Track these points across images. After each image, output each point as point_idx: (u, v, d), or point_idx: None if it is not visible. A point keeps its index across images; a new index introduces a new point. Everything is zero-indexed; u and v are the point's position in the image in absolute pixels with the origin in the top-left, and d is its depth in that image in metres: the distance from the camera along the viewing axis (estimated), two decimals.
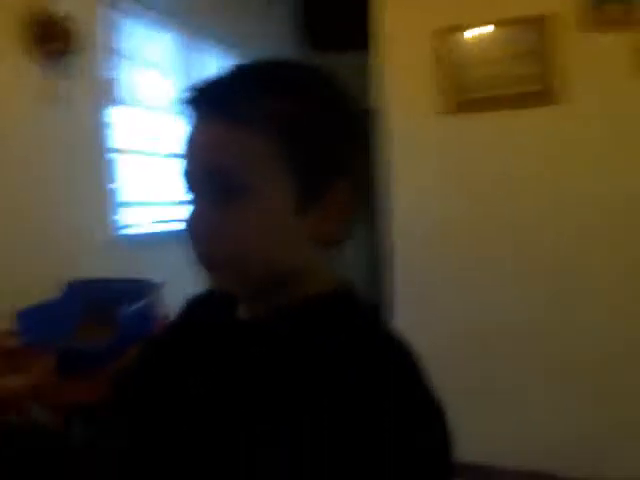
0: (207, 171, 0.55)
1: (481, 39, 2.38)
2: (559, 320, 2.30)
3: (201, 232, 0.55)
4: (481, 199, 2.39)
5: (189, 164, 0.57)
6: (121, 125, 2.62)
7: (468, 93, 2.40)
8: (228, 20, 3.31)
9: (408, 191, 2.46)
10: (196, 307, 0.74)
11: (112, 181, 2.54)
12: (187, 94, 0.57)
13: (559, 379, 2.30)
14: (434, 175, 2.43)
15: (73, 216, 2.30)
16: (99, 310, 1.09)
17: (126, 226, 2.65)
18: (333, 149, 0.56)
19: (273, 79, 0.57)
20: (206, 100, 0.56)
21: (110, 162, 2.52)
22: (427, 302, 2.44)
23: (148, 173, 2.89)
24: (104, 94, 2.43)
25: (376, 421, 0.46)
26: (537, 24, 2.28)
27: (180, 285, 2.59)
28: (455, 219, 2.41)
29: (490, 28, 2.35)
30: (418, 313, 2.42)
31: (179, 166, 0.58)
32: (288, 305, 0.58)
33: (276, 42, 4.00)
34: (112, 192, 2.54)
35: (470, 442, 2.30)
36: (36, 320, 1.01)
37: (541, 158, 2.31)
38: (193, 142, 0.57)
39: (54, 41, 2.16)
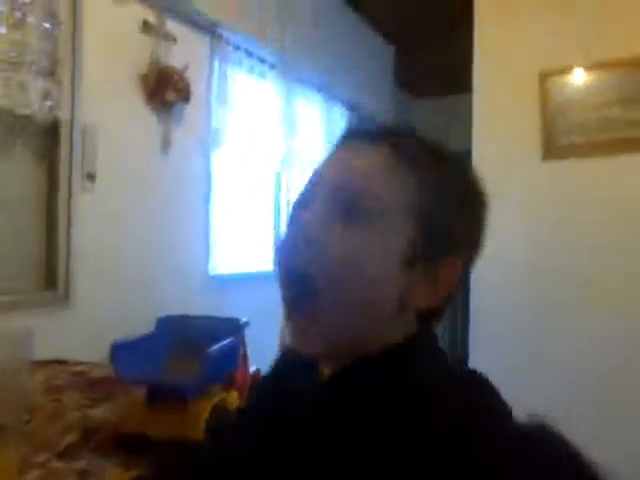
0: (339, 186, 0.53)
1: (590, 81, 2.29)
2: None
3: (303, 234, 0.52)
4: (577, 245, 2.26)
5: (316, 184, 0.56)
6: (223, 170, 2.74)
7: (573, 137, 2.30)
8: (329, 70, 3.41)
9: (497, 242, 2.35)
10: (282, 370, 0.68)
11: (211, 224, 2.65)
12: (351, 128, 0.60)
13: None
14: (529, 222, 2.33)
15: (174, 256, 2.42)
16: (187, 346, 1.12)
17: (220, 267, 2.74)
18: (461, 229, 0.56)
19: (438, 147, 0.59)
20: (367, 133, 0.58)
21: (211, 206, 2.64)
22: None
23: (243, 217, 2.99)
24: (211, 141, 2.56)
25: None
26: None
27: (267, 324, 2.65)
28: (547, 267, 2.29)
29: (599, 71, 2.26)
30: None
31: (300, 189, 0.58)
32: (364, 357, 0.53)
33: (375, 90, 4.07)
34: (210, 234, 2.64)
35: None
36: (129, 353, 1.04)
37: None
38: (337, 161, 0.56)
39: (170, 92, 2.32)
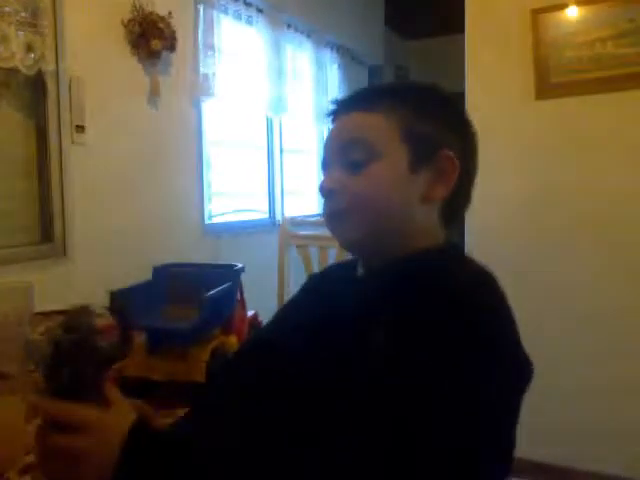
0: (347, 143, 0.71)
1: (582, 17, 2.24)
2: None
3: (333, 189, 0.70)
4: (571, 181, 2.27)
5: (329, 145, 0.74)
6: (214, 118, 2.71)
7: (566, 75, 2.27)
8: (318, 12, 3.32)
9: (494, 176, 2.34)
10: (320, 277, 0.90)
11: (205, 172, 2.64)
12: (334, 104, 0.77)
13: None
14: (521, 156, 2.31)
15: (169, 206, 2.42)
16: (185, 293, 1.14)
17: (215, 215, 2.75)
18: (436, 129, 0.71)
19: (399, 87, 0.81)
20: (349, 101, 0.75)
21: (203, 154, 2.63)
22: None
23: (236, 164, 2.98)
24: (200, 89, 2.52)
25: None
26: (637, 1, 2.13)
27: (263, 270, 2.67)
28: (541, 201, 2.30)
29: (593, 6, 2.21)
30: None
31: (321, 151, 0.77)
32: (398, 258, 0.69)
33: (366, 32, 3.99)
34: (204, 182, 2.64)
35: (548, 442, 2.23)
36: (127, 300, 1.06)
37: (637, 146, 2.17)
38: (335, 129, 0.74)
39: (155, 39, 2.27)
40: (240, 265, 1.19)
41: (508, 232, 2.38)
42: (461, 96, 2.62)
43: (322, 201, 0.73)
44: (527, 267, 2.32)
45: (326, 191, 0.71)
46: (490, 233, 2.37)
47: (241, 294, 1.26)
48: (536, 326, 2.01)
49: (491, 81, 2.41)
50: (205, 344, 1.06)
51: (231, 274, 1.18)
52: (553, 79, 2.30)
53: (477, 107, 2.30)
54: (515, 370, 0.60)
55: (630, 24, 2.17)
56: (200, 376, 1.02)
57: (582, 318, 2.24)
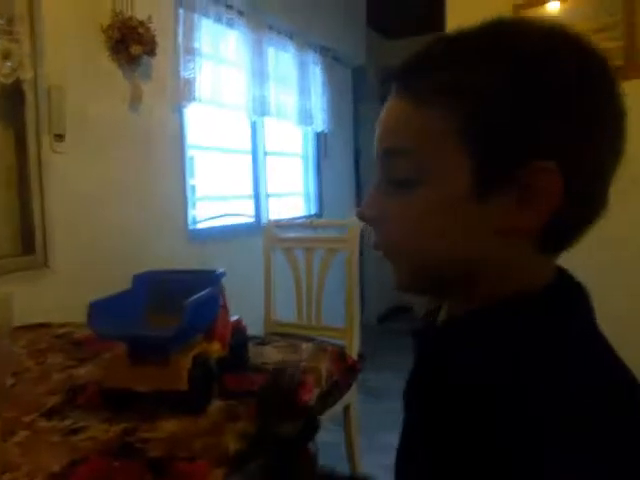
0: (385, 154, 0.51)
1: (563, 12, 2.25)
2: None
3: (367, 218, 0.53)
4: None
5: (375, 144, 0.53)
6: (197, 122, 2.70)
7: None
8: (300, 13, 3.31)
9: None
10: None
11: (188, 177, 2.62)
12: (390, 72, 0.54)
13: None
14: None
15: (151, 213, 2.40)
16: (165, 300, 1.13)
17: (200, 220, 2.73)
18: (527, 124, 0.44)
19: (466, 46, 0.48)
20: (402, 71, 0.51)
21: (187, 159, 2.61)
22: None
23: (221, 169, 2.96)
24: (181, 93, 2.50)
25: None
26: None
27: (249, 275, 2.65)
28: None
29: (568, 1, 2.22)
30: None
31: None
32: (478, 307, 0.50)
33: (348, 33, 3.98)
34: (188, 187, 2.62)
35: None
36: (107, 311, 1.04)
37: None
38: (378, 122, 0.52)
39: (134, 44, 2.24)
40: (221, 270, 1.18)
41: None
42: None
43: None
44: None
45: (362, 218, 0.54)
46: None
47: (224, 299, 1.24)
48: None
49: None
50: (187, 351, 1.04)
51: (212, 279, 1.16)
52: None
53: None
54: None
55: (610, 18, 2.18)
56: (183, 384, 1.01)
57: None
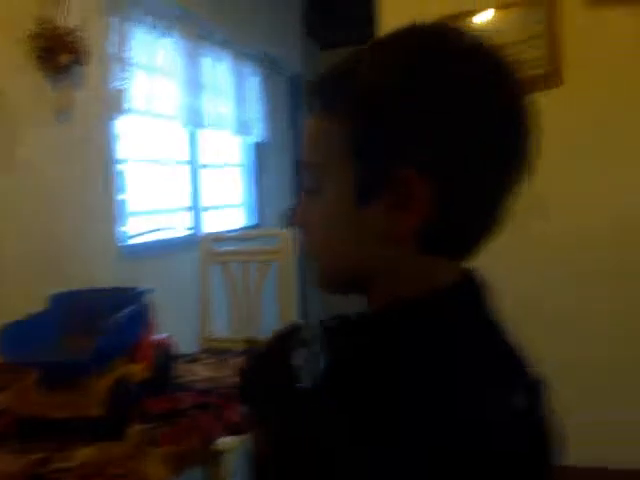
0: (301, 167, 0.56)
1: (488, 24, 2.32)
2: None
3: (294, 222, 0.58)
4: None
5: None
6: (129, 134, 2.63)
7: None
8: (235, 22, 3.29)
9: None
10: None
11: (119, 191, 2.55)
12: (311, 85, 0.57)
13: None
14: None
15: (79, 230, 2.31)
16: (83, 321, 1.08)
17: (132, 236, 2.66)
18: (396, 140, 0.47)
19: (358, 59, 0.52)
20: (316, 89, 0.56)
21: (118, 172, 2.53)
22: None
23: (156, 181, 2.90)
24: (113, 104, 2.43)
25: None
26: (544, 4, 2.22)
27: (187, 289, 2.60)
28: None
29: (497, 12, 2.29)
30: None
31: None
32: (369, 310, 0.55)
33: (285, 42, 3.98)
34: (119, 202, 2.55)
35: None
36: (18, 335, 1.00)
37: (550, 141, 2.24)
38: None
39: (63, 53, 2.17)
40: (145, 288, 1.14)
41: None
42: None
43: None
44: None
45: (292, 224, 0.59)
46: None
47: (149, 318, 1.21)
48: None
49: None
50: (106, 374, 1.01)
51: (136, 298, 1.13)
52: None
53: None
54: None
55: (533, 29, 2.26)
56: (99, 409, 0.97)
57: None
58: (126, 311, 1.06)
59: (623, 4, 2.12)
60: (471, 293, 0.53)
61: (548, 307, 2.24)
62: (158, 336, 1.25)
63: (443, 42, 0.50)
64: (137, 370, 1.09)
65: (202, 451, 1.11)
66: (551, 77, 2.22)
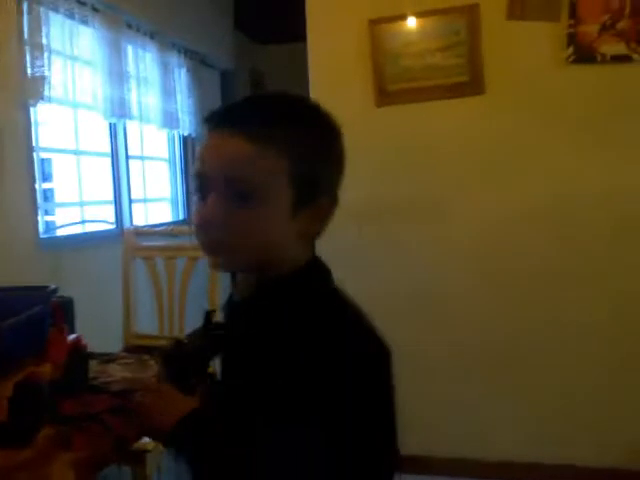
0: (228, 177, 0.68)
1: (414, 29, 2.36)
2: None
3: (211, 221, 0.68)
4: (410, 185, 2.38)
5: (206, 167, 0.70)
6: (51, 123, 2.52)
7: (400, 83, 2.39)
8: (162, 13, 3.21)
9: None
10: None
11: (38, 181, 2.44)
12: (213, 112, 0.73)
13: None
14: (366, 164, 2.37)
15: None
16: None
17: (54, 227, 2.55)
18: (322, 171, 0.72)
19: (288, 111, 0.73)
20: (231, 118, 0.71)
21: (39, 161, 2.42)
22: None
23: (77, 172, 2.79)
24: (31, 90, 2.32)
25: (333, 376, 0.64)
26: (465, 13, 2.28)
27: (109, 284, 2.52)
28: (387, 204, 2.39)
29: (420, 19, 2.34)
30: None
31: (193, 167, 0.74)
32: (267, 282, 0.74)
33: (215, 35, 3.92)
34: (38, 192, 2.44)
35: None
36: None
37: (469, 148, 2.32)
38: (218, 149, 0.69)
39: None
40: (53, 286, 1.10)
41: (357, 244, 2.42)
42: None
43: (195, 227, 0.72)
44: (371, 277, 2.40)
45: (204, 222, 0.70)
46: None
47: (59, 317, 1.16)
48: None
49: (334, 89, 2.45)
50: (6, 378, 0.96)
51: (43, 297, 1.08)
52: (390, 87, 2.40)
53: None
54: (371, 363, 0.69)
55: (456, 37, 2.32)
56: (2, 414, 0.92)
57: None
58: (29, 313, 1.01)
59: (540, 17, 2.21)
60: (321, 264, 0.78)
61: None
62: (70, 336, 1.20)
63: (330, 131, 0.76)
64: (45, 371, 1.05)
65: (115, 455, 1.08)
66: (473, 85, 2.30)
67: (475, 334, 2.34)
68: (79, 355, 1.21)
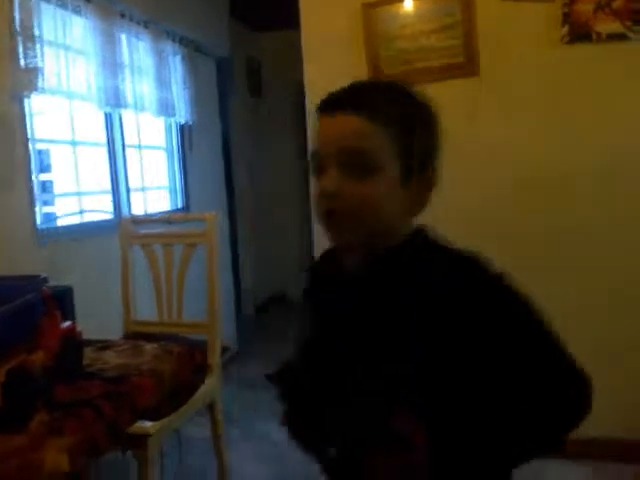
0: (345, 150, 0.76)
1: (409, 12, 2.35)
2: None
3: (335, 192, 0.76)
4: None
5: (323, 146, 0.79)
6: (48, 114, 2.52)
7: (396, 66, 2.37)
8: (156, 1, 3.19)
9: None
10: (316, 272, 0.97)
11: (35, 172, 2.44)
12: (323, 100, 0.82)
13: None
14: None
15: None
16: None
17: (54, 218, 2.56)
18: (427, 143, 0.81)
19: (395, 93, 0.83)
20: (349, 99, 0.79)
21: (33, 153, 2.42)
22: None
23: (80, 163, 2.79)
24: (22, 82, 2.32)
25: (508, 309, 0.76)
26: None
27: (109, 273, 2.53)
28: None
29: (416, 1, 2.32)
30: None
31: (311, 147, 0.83)
32: (385, 252, 0.80)
33: (211, 23, 3.90)
34: (35, 184, 2.44)
35: None
36: None
37: (462, 130, 2.31)
38: (334, 127, 0.78)
39: None
40: (44, 275, 1.10)
41: None
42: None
43: (318, 200, 0.79)
44: None
45: (329, 192, 0.76)
46: None
47: (51, 305, 1.17)
48: None
49: (329, 74, 2.44)
50: (2, 364, 0.97)
51: (34, 285, 1.09)
52: (386, 70, 2.39)
53: (317, 100, 2.33)
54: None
55: (450, 18, 2.31)
56: None
57: None
58: (20, 301, 1.02)
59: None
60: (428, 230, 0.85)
61: None
62: (64, 324, 1.21)
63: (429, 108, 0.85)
64: (37, 359, 1.06)
65: (109, 440, 1.09)
66: (468, 66, 2.29)
67: None
68: (73, 342, 1.22)
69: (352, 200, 0.75)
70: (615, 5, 2.15)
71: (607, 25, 2.16)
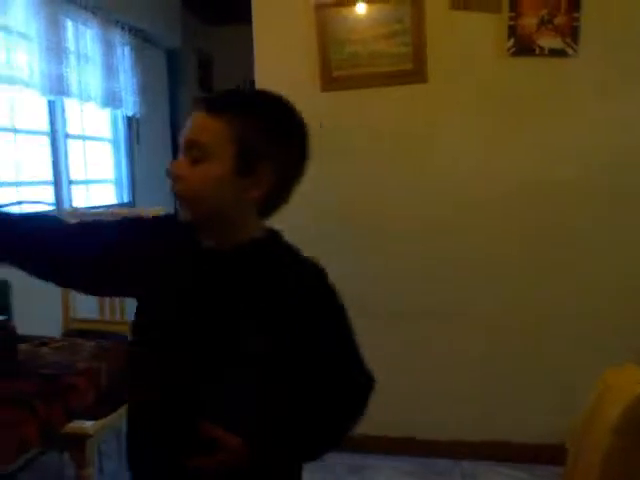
0: (191, 140, 0.86)
1: (360, 16, 2.37)
2: None
3: (175, 175, 0.86)
4: (352, 167, 2.42)
5: (183, 134, 0.87)
6: None
7: (345, 69, 2.39)
8: None
9: None
10: (164, 226, 1.01)
11: None
12: (203, 96, 0.97)
13: None
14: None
15: None
16: None
17: None
18: (265, 149, 0.86)
19: (247, 99, 0.95)
20: (204, 101, 0.90)
21: None
22: None
23: (13, 151, 2.69)
24: None
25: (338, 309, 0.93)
26: (409, 1, 2.30)
27: None
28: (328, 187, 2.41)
29: (367, 5, 2.34)
30: None
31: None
32: (240, 243, 0.90)
33: (162, 15, 3.82)
34: None
35: None
36: None
37: (409, 136, 2.36)
38: (189, 122, 0.88)
39: None
40: None
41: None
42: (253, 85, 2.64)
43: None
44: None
45: (172, 175, 0.87)
46: None
47: None
48: None
49: (279, 72, 2.44)
50: None
51: None
52: (335, 72, 2.41)
53: None
54: None
55: (400, 25, 2.34)
56: None
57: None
58: None
59: (481, 8, 2.26)
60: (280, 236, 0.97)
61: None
62: None
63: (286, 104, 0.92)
64: None
65: (41, 440, 1.06)
66: (416, 73, 2.33)
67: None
68: (7, 338, 1.18)
69: (186, 182, 0.85)
70: (557, 21, 2.24)
71: (549, 40, 2.24)
